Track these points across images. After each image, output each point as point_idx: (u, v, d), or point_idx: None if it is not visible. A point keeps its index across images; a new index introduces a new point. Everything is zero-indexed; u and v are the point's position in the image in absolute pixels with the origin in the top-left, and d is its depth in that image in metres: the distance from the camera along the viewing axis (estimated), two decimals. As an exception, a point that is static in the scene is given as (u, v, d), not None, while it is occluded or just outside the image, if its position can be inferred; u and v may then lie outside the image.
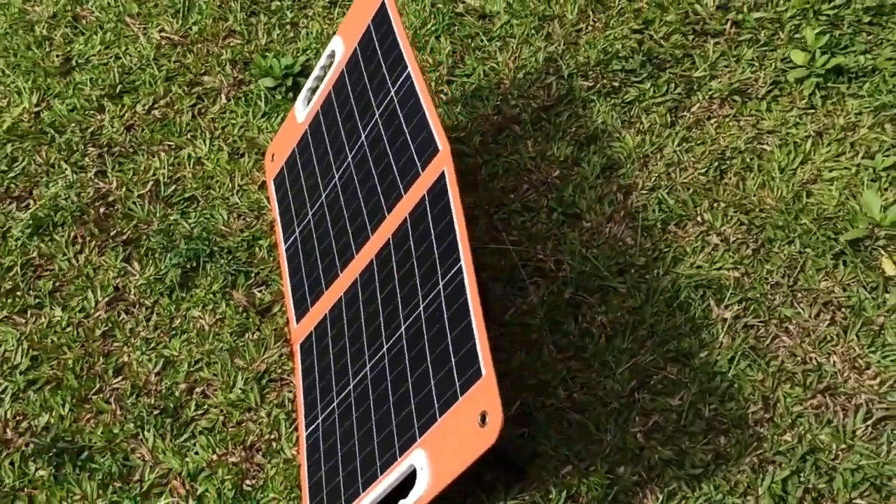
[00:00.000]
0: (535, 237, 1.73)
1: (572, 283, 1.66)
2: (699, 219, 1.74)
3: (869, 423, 1.45)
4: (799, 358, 1.54)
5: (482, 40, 2.02)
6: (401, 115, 1.46)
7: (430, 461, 1.14)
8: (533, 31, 2.01)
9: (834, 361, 1.53)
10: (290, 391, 1.58)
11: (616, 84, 1.94)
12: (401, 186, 1.42)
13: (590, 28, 2.01)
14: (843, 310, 1.59)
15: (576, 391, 1.53)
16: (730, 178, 1.79)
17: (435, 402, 1.17)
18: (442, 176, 1.33)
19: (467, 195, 1.80)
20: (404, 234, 1.38)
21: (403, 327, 1.30)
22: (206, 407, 1.57)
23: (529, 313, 1.63)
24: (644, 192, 1.78)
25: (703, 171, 1.80)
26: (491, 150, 1.87)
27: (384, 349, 1.34)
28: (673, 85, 1.93)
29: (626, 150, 1.84)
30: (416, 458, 1.17)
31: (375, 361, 1.35)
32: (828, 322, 1.58)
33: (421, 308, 1.27)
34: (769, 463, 1.43)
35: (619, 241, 1.72)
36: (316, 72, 1.77)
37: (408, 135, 1.43)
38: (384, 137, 1.49)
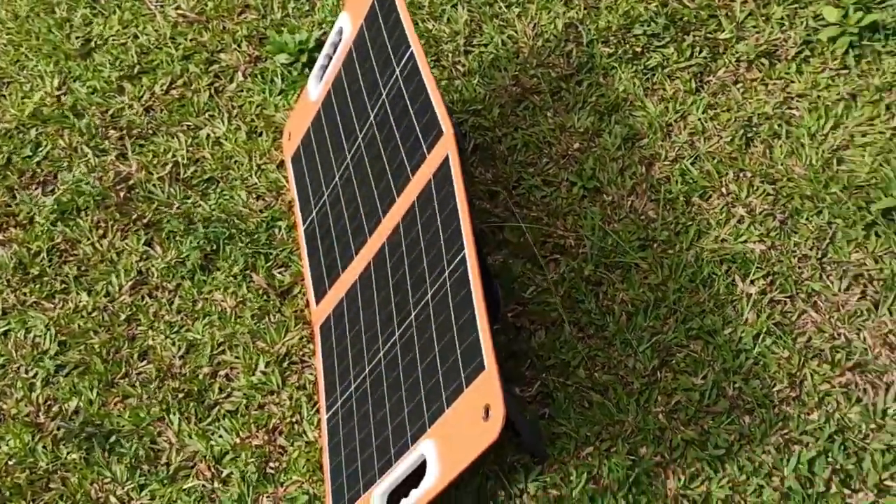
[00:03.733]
0: (555, 212, 1.70)
1: (593, 260, 1.63)
2: (724, 190, 1.68)
3: (898, 401, 1.41)
4: (827, 334, 1.50)
5: (500, 7, 1.96)
6: (406, 96, 1.43)
7: (438, 452, 1.14)
8: (552, -3, 1.95)
9: (864, 337, 1.49)
10: (311, 373, 1.59)
11: (638, 49, 1.87)
12: (409, 169, 1.40)
13: (611, -9, 1.94)
14: (875, 283, 1.53)
15: (597, 371, 1.52)
16: (756, 146, 1.72)
17: (443, 391, 1.17)
18: (446, 160, 1.30)
19: (487, 170, 1.77)
20: (413, 219, 1.37)
21: (413, 314, 1.29)
22: (229, 390, 1.59)
23: (549, 291, 1.61)
24: (667, 162, 1.73)
25: (729, 139, 1.74)
26: (510, 122, 1.83)
27: (396, 335, 1.33)
28: (698, 49, 1.86)
29: (649, 119, 1.78)
30: (426, 448, 1.17)
31: (388, 347, 1.35)
32: (858, 296, 1.53)
33: (429, 295, 1.26)
34: (795, 443, 1.40)
35: (640, 215, 1.67)
36: (326, 49, 1.74)
37: (413, 116, 1.41)
38: (391, 118, 1.47)
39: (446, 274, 1.22)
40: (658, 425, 1.45)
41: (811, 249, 1.59)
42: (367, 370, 1.40)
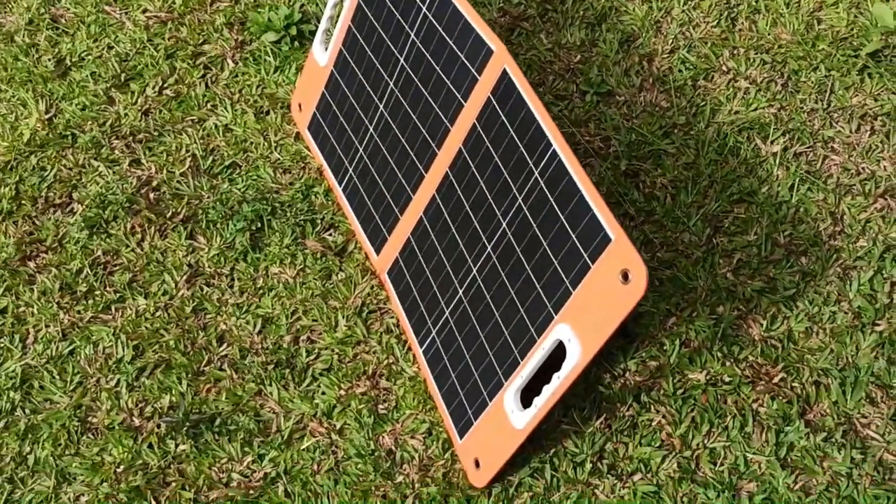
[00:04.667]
0: (576, 122, 1.79)
1: (625, 156, 1.73)
2: (724, 68, 1.81)
3: (933, 211, 1.56)
4: (852, 170, 1.64)
5: (468, -53, 2.03)
6: (440, 29, 1.49)
7: (575, 331, 1.22)
8: (516, -73, 2.03)
9: (885, 166, 1.64)
10: (391, 317, 1.64)
11: (608, -40, 1.97)
12: (459, 97, 1.47)
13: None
14: (881, 118, 1.68)
15: (658, 251, 1.62)
16: (742, 24, 1.86)
17: (564, 278, 1.24)
18: (504, 74, 1.37)
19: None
20: (477, 140, 1.43)
21: (505, 223, 1.36)
22: (316, 351, 1.63)
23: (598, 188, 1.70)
24: (665, 55, 1.85)
25: (715, 23, 1.86)
26: (508, 50, 1.90)
27: (488, 250, 1.40)
28: (662, -51, 1.97)
29: (638, 21, 1.89)
30: (561, 331, 1.25)
31: (481, 264, 1.42)
32: (869, 132, 1.68)
33: (519, 201, 1.33)
34: (852, 269, 1.55)
35: (656, 107, 1.78)
36: (327, 12, 1.78)
37: (453, 45, 1.47)
38: (426, 55, 1.53)
39: (536, 175, 1.29)
40: (728, 284, 1.57)
41: (816, 102, 1.73)
42: (462, 293, 1.47)
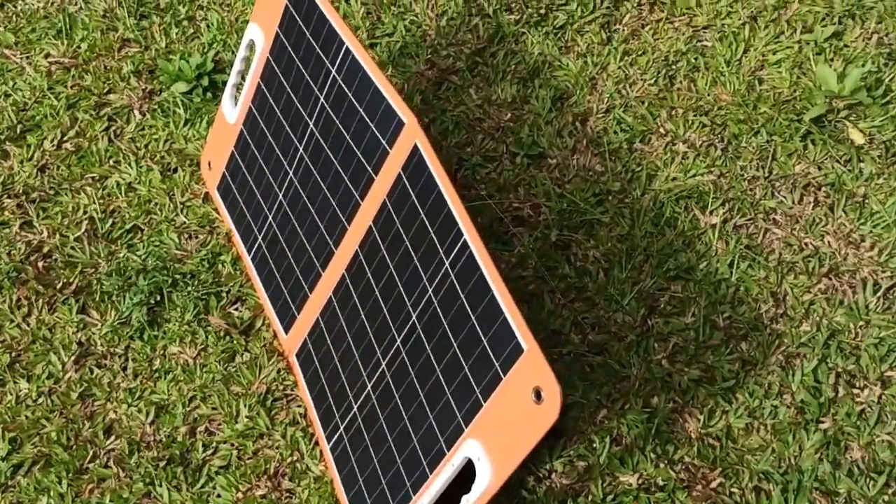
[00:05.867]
0: (505, 186, 1.67)
1: (555, 225, 1.61)
2: (661, 130, 1.70)
3: (879, 294, 1.46)
4: (795, 246, 1.54)
5: (395, -6, 1.91)
6: (350, 95, 1.36)
7: (486, 449, 1.09)
8: (446, -26, 1.91)
9: (829, 242, 1.54)
10: (298, 405, 1.50)
11: (542, 11, 1.86)
12: (369, 169, 1.33)
13: (503, -42, 1.92)
14: (824, 188, 1.59)
15: (589, 333, 1.50)
16: (680, 83, 1.75)
17: (475, 387, 1.11)
18: (415, 150, 1.24)
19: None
20: (387, 219, 1.30)
21: (414, 316, 1.23)
22: (214, 445, 1.48)
23: (521, 265, 1.58)
24: (600, 115, 1.74)
25: (652, 81, 1.76)
26: (434, 106, 1.78)
27: (397, 343, 1.27)
28: (598, 0, 1.87)
29: (572, 77, 1.78)
30: (470, 448, 1.11)
31: (391, 357, 1.28)
32: (812, 204, 1.58)
33: (430, 292, 1.20)
34: (795, 357, 1.44)
35: (589, 171, 1.67)
36: (236, 66, 1.64)
37: (363, 114, 1.34)
38: (336, 122, 1.39)
39: (447, 265, 1.16)
40: (663, 372, 1.45)
41: (758, 170, 1.63)
42: (370, 387, 1.33)
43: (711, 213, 1.59)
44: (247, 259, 1.64)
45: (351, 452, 1.36)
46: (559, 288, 1.55)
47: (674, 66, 1.77)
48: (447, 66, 1.82)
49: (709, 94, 1.72)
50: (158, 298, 1.62)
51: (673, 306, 1.51)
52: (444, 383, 1.17)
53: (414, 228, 1.24)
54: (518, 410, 1.04)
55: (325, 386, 1.44)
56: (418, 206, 1.23)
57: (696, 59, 1.77)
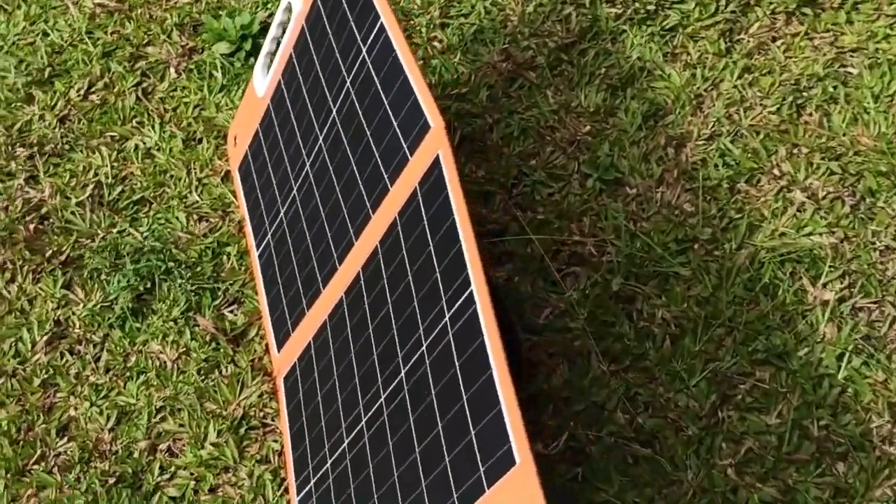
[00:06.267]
0: (568, 213, 1.37)
1: (620, 270, 1.30)
2: (776, 171, 1.36)
3: None
4: (930, 348, 1.18)
5: (480, -32, 1.62)
6: (377, 82, 1.09)
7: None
8: (542, -49, 1.61)
9: (978, 349, 1.17)
10: (276, 440, 1.25)
11: (651, 7, 1.54)
12: (386, 178, 1.06)
13: (613, -61, 1.60)
14: (982, 278, 1.21)
15: (640, 414, 1.19)
16: (810, 115, 1.40)
17: (453, 489, 0.83)
18: (436, 162, 0.97)
19: (478, 166, 1.44)
20: (395, 242, 1.03)
21: (403, 373, 0.96)
22: (172, 469, 1.25)
23: (569, 314, 1.28)
24: (701, 142, 1.41)
25: (775, 108, 1.41)
26: (502, 105, 1.49)
27: (381, 399, 1.00)
28: (724, 2, 1.53)
29: (673, 91, 1.45)
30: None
31: (373, 415, 1.02)
32: (962, 295, 1.21)
33: (424, 348, 0.92)
34: (907, 497, 1.09)
35: (675, 210, 1.35)
36: (272, 31, 1.40)
37: (388, 107, 1.07)
38: (359, 112, 1.13)
39: (447, 318, 0.89)
40: (727, 484, 1.12)
41: (895, 239, 1.27)
42: (347, 442, 1.07)
43: (825, 285, 1.25)
44: (254, 255, 1.41)
45: (317, 517, 1.11)
46: (612, 351, 1.24)
47: (805, 94, 1.42)
48: (525, 60, 1.52)
49: (845, 135, 1.37)
50: (149, 285, 1.41)
51: (755, 398, 1.18)
52: (420, 470, 0.90)
53: (420, 261, 0.96)
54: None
55: (304, 425, 1.19)
56: (428, 235, 0.96)
57: (834, 87, 1.41)
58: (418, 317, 0.95)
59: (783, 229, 1.30)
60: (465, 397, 0.84)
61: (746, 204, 1.34)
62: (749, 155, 1.38)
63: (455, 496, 0.83)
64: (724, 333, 1.23)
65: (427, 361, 0.91)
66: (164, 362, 1.35)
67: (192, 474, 1.24)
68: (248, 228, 1.43)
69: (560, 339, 1.27)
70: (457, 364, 0.86)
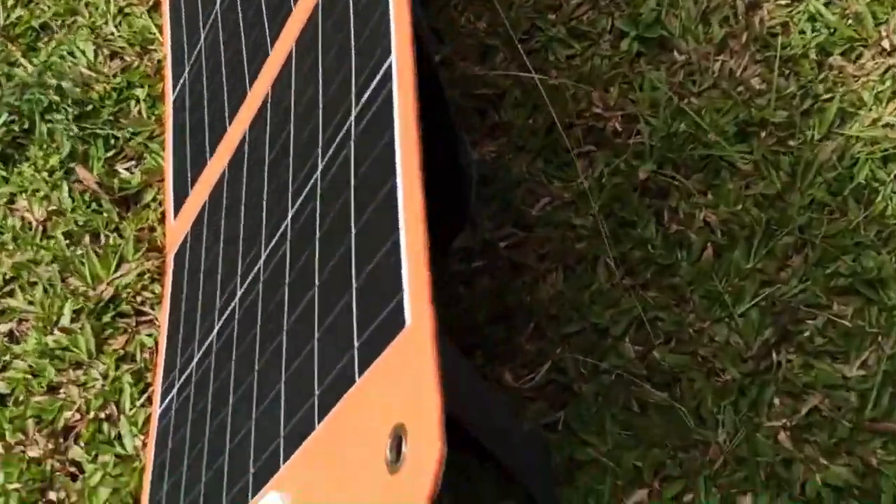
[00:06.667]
0: (590, 78, 1.00)
1: (653, 155, 0.93)
2: (885, 44, 0.98)
3: None
4: None
5: None
6: None
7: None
8: None
9: None
10: (149, 334, 0.91)
11: None
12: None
13: None
14: None
15: (658, 346, 0.83)
16: (940, -25, 1.01)
17: (315, 387, 0.48)
18: None
19: (478, 16, 1.08)
20: (312, 35, 0.67)
21: (290, 214, 0.61)
22: (7, 358, 0.92)
23: (575, 207, 0.92)
24: (784, 1, 1.03)
25: (889, -35, 1.02)
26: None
27: (260, 262, 0.65)
28: None
29: (751, -65, 1.07)
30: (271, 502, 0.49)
31: (248, 286, 0.67)
32: None
33: (318, 172, 0.57)
34: None
35: (738, 85, 0.97)
36: None
37: None
38: None
39: (352, 118, 0.53)
40: (778, 454, 0.76)
41: None
42: (216, 331, 0.72)
43: (940, 195, 0.87)
44: (168, 101, 1.06)
45: (171, 433, 0.76)
46: (629, 259, 0.88)
47: (933, -50, 1.03)
48: None
49: None
50: (28, 125, 1.08)
51: (828, 339, 0.81)
52: (283, 364, 0.54)
53: (334, 49, 0.60)
54: (358, 468, 0.40)
55: (182, 314, 0.84)
56: (351, 9, 0.60)
57: (976, -56, 1.02)
58: (320, 129, 0.59)
59: (889, 119, 0.92)
60: (353, 230, 0.48)
61: (840, 83, 0.96)
62: (849, 22, 0.99)
63: (315, 398, 0.48)
64: (793, 248, 0.86)
65: (319, 188, 0.56)
66: (29, 222, 1.01)
67: (29, 367, 0.90)
68: (168, 70, 1.09)
69: (558, 237, 0.91)
70: (351, 177, 0.50)
